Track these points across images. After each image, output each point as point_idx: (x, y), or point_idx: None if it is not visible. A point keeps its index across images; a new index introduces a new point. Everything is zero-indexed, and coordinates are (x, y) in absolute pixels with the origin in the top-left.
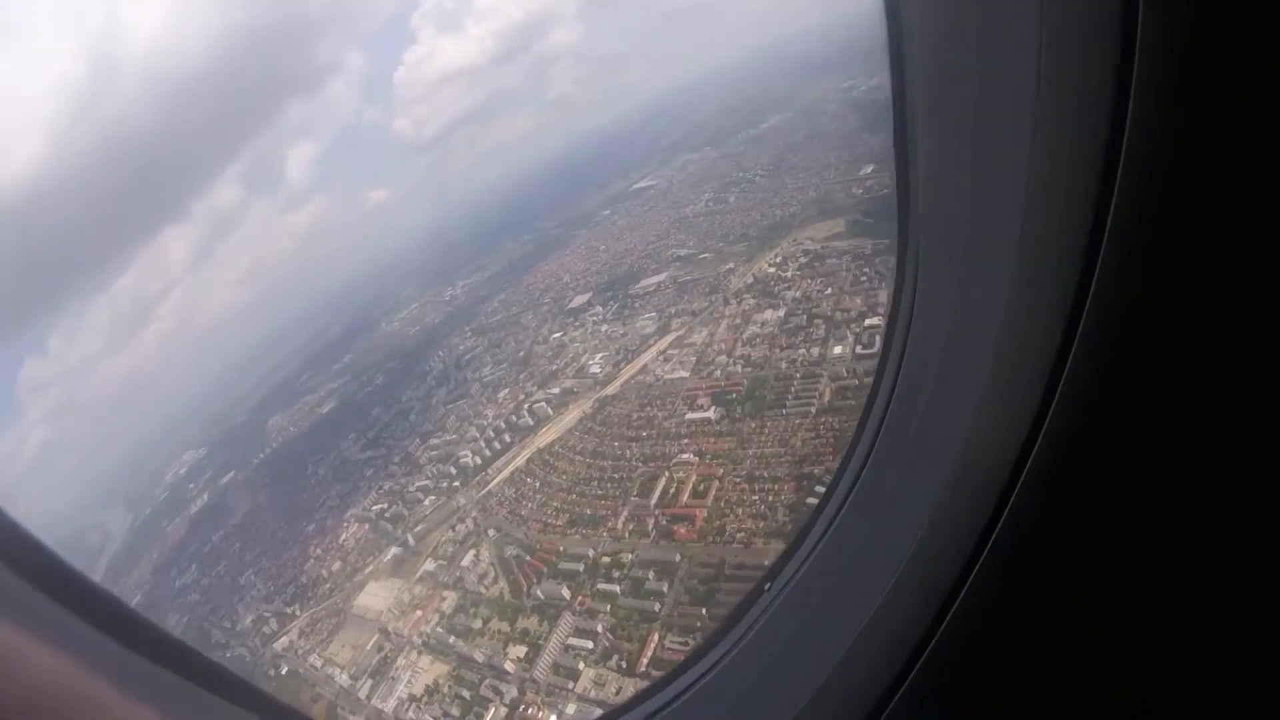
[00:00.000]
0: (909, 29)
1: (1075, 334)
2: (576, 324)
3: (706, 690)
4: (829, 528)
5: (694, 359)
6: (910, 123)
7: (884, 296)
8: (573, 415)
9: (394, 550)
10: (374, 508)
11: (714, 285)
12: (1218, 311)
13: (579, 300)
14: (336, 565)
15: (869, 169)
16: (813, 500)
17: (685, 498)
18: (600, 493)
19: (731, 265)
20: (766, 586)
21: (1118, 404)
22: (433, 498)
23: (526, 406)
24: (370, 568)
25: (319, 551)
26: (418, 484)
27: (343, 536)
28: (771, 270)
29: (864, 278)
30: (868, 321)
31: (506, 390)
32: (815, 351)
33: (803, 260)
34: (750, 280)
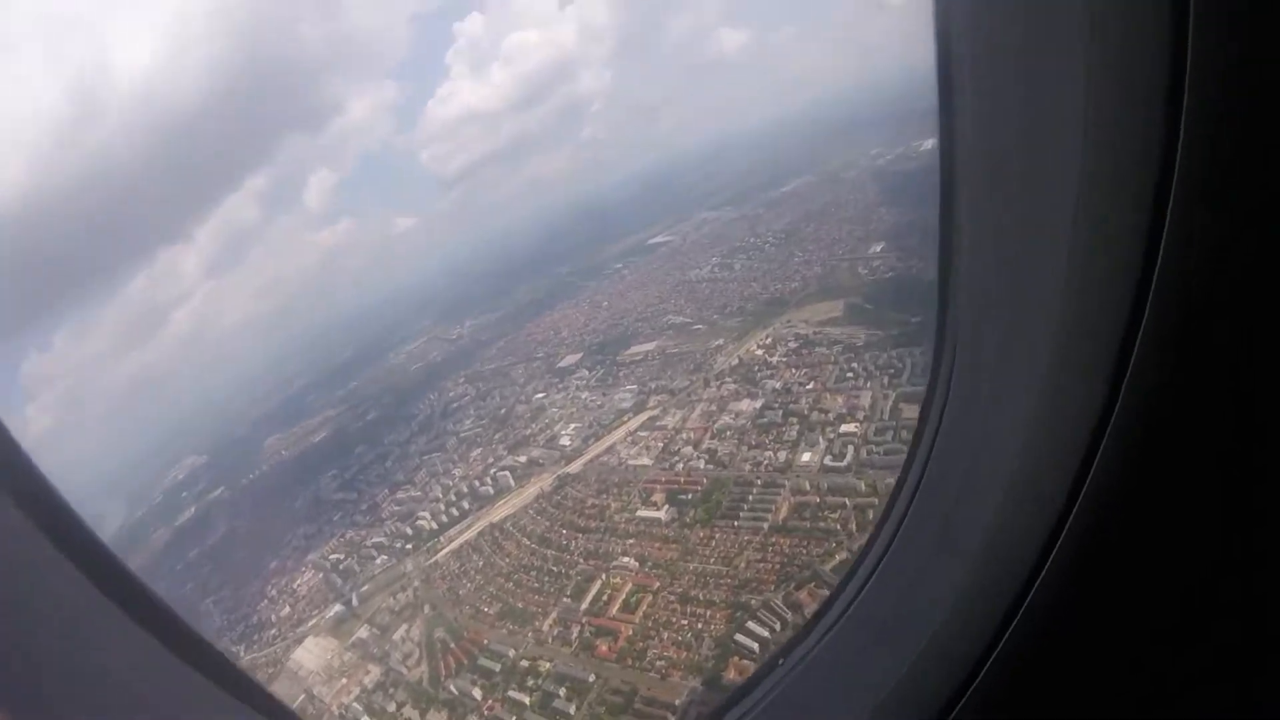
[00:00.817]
0: (959, 107)
1: (1103, 435)
2: (560, 386)
3: None
4: (859, 594)
5: (661, 445)
6: (955, 213)
7: (865, 399)
8: (532, 490)
9: (337, 608)
10: (331, 556)
11: (699, 363)
12: (1252, 423)
13: (569, 360)
14: (285, 611)
15: (878, 247)
16: (740, 637)
17: (615, 609)
18: (536, 585)
19: (721, 342)
20: (780, 661)
21: (1143, 506)
22: (384, 557)
23: (492, 472)
24: (313, 621)
25: (274, 593)
26: (374, 539)
27: (298, 581)
28: (759, 353)
29: (849, 374)
30: (843, 428)
31: (479, 450)
32: (783, 456)
33: (792, 345)
34: (735, 362)
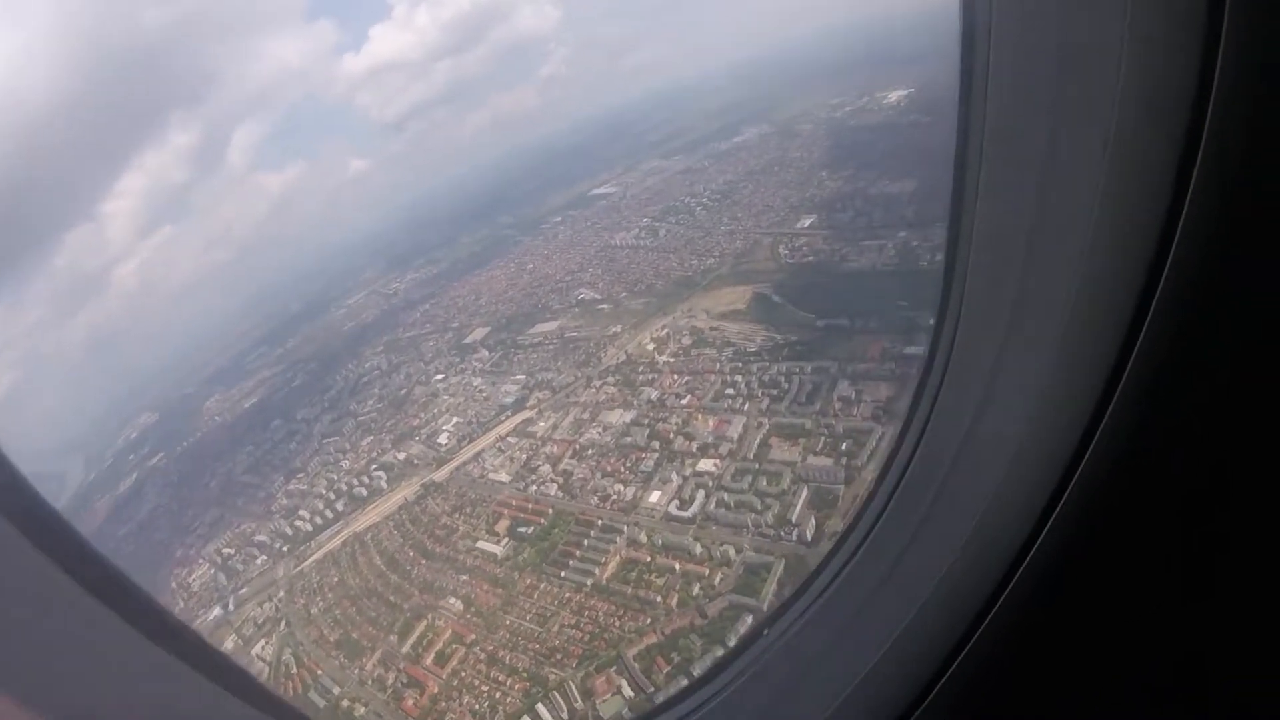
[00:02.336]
0: (981, 86)
1: (1094, 435)
2: (460, 367)
3: None
4: (834, 579)
5: (524, 459)
6: (969, 187)
7: (736, 427)
8: (399, 497)
9: (217, 611)
10: (224, 550)
11: (590, 354)
12: (1236, 441)
13: (476, 335)
14: (179, 607)
15: (808, 221)
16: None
17: (430, 658)
18: (374, 615)
19: (618, 329)
20: (765, 631)
21: (1133, 499)
22: (264, 559)
23: (372, 470)
24: (197, 623)
25: (174, 585)
26: (259, 536)
27: (194, 575)
28: (650, 348)
29: (729, 390)
30: (701, 465)
31: (370, 439)
32: (631, 493)
33: (685, 341)
34: (624, 358)
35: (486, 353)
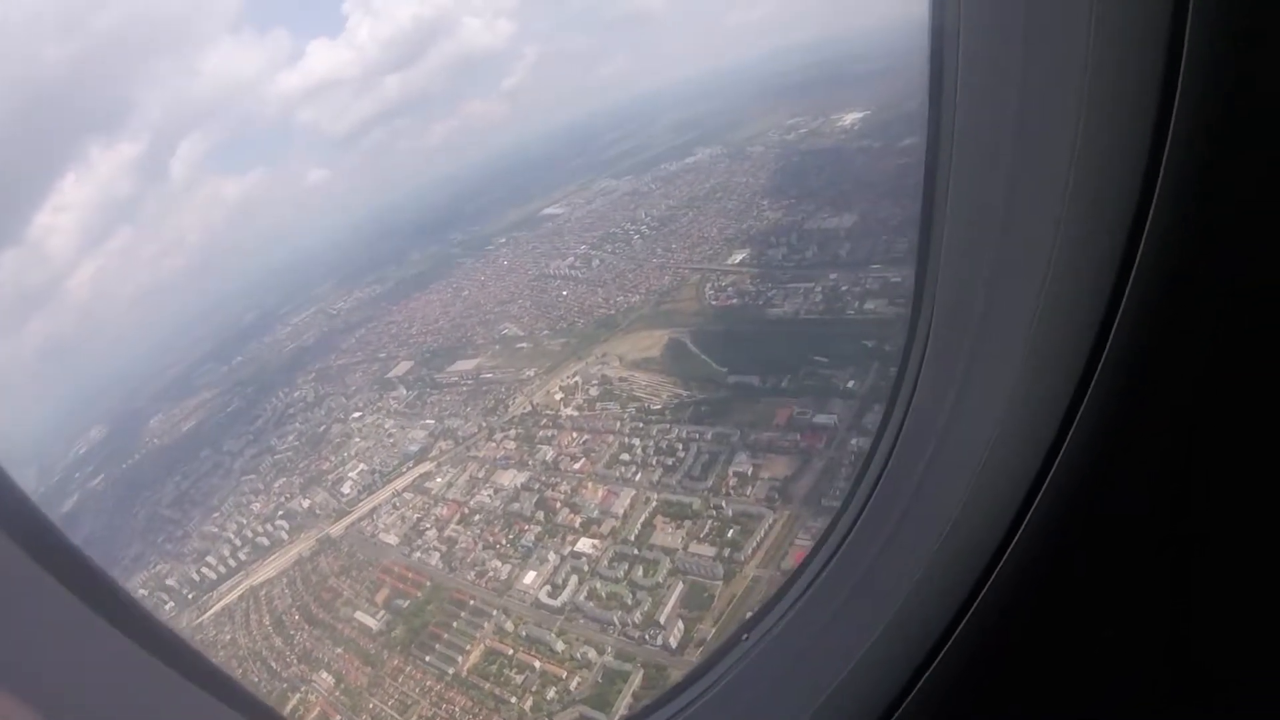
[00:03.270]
0: (949, 94)
1: (1066, 436)
2: (377, 405)
3: None
4: (813, 582)
5: (415, 519)
6: (938, 195)
7: (624, 501)
8: (295, 551)
9: None
10: (138, 592)
11: (500, 400)
12: (1209, 444)
13: (399, 369)
14: None
15: (740, 257)
16: None
17: None
18: (256, 680)
19: (532, 373)
20: (744, 637)
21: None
22: (171, 605)
23: (278, 516)
24: None
25: None
26: (170, 581)
27: None
28: (557, 398)
29: (625, 456)
30: (581, 545)
31: (282, 481)
32: (507, 571)
33: (593, 392)
34: (529, 408)
35: (404, 390)
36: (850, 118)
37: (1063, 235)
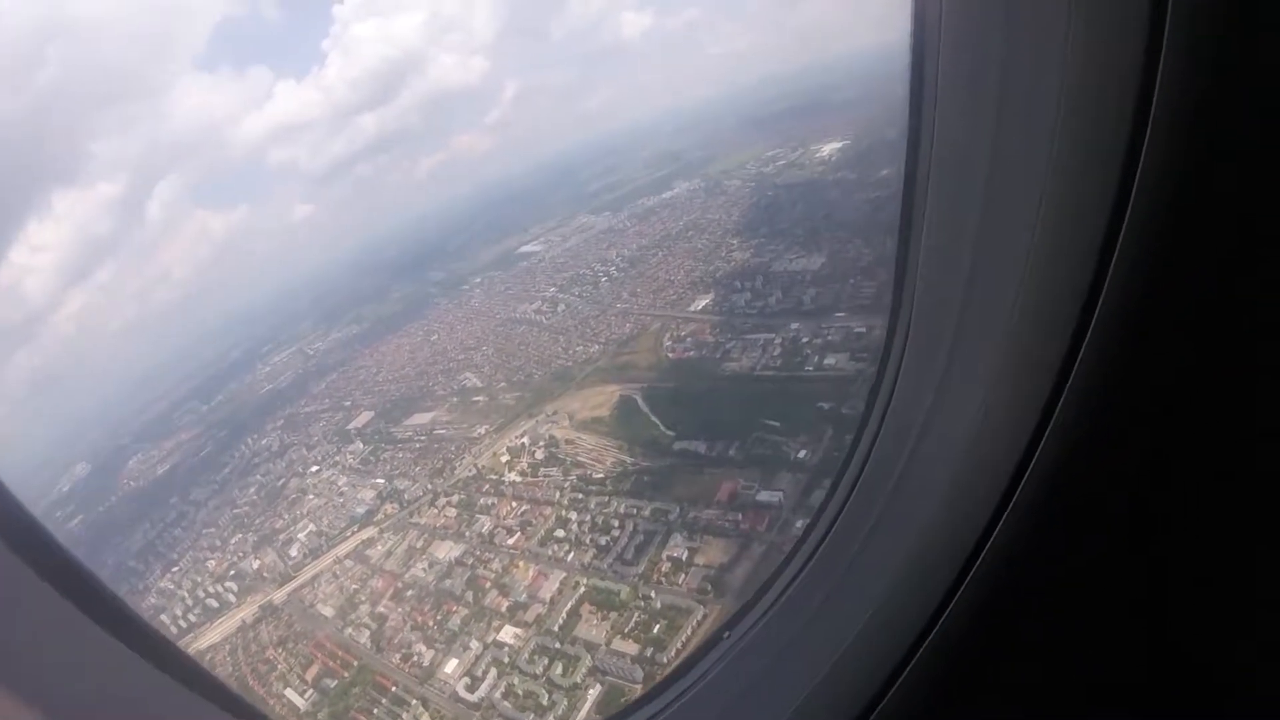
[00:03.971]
0: (929, 93)
1: (1044, 432)
2: (334, 459)
3: None
4: (794, 579)
5: (352, 590)
6: (917, 197)
7: (552, 584)
8: (239, 616)
9: None
10: None
11: (448, 460)
12: (1190, 435)
13: (360, 420)
14: None
15: (701, 303)
16: None
17: None
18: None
19: (483, 430)
20: (726, 634)
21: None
22: None
23: (228, 577)
24: None
25: None
26: None
27: None
28: (503, 460)
29: (560, 532)
30: (504, 633)
31: (237, 538)
32: (431, 657)
33: (538, 456)
34: (474, 471)
35: (361, 444)
36: (829, 148)
37: (1041, 230)
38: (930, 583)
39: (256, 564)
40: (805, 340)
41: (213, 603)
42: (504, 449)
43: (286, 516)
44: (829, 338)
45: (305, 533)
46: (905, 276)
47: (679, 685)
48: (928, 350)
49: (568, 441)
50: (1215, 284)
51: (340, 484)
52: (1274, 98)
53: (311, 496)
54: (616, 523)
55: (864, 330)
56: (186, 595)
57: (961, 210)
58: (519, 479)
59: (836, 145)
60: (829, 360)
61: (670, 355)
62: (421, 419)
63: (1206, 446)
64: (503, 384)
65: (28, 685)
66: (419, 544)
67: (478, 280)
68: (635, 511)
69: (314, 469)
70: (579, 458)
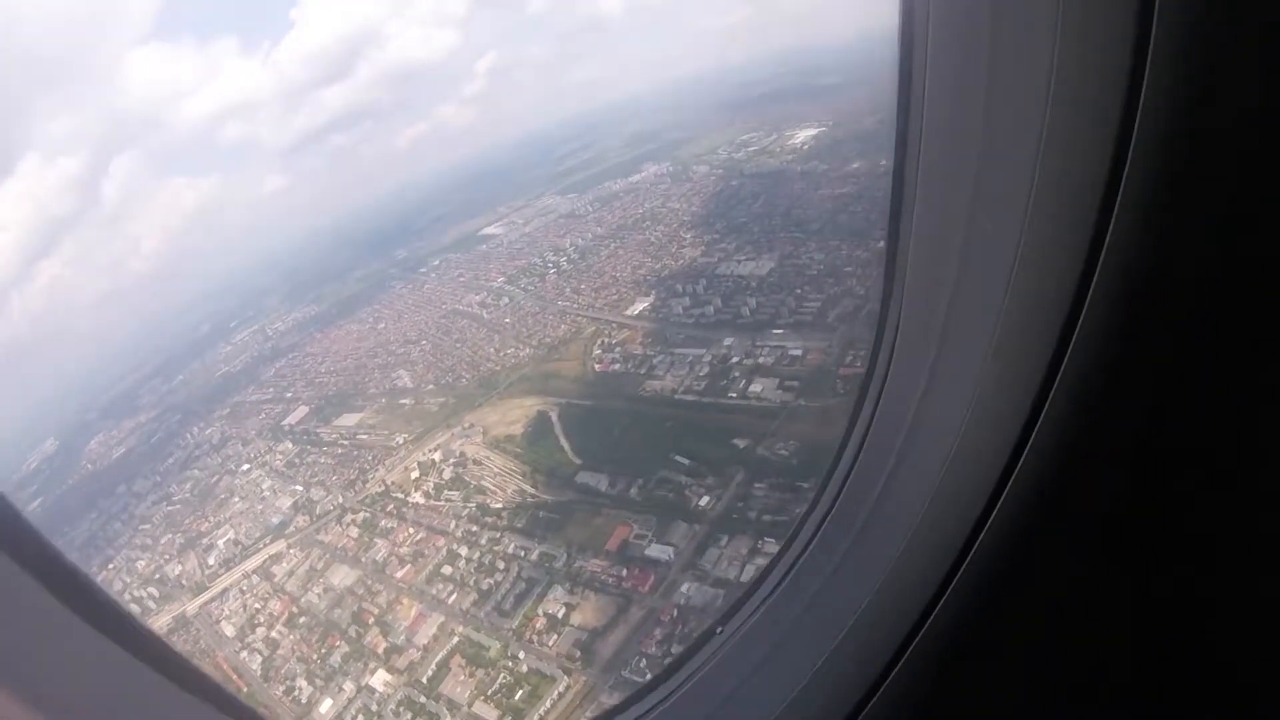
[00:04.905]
0: (918, 93)
1: (1031, 434)
2: (264, 458)
3: None
4: (787, 575)
5: (254, 610)
6: (906, 197)
7: (431, 626)
8: (154, 627)
9: None
10: None
11: (364, 470)
12: (1177, 435)
13: (295, 416)
14: None
15: (640, 306)
16: None
17: None
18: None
19: (402, 440)
20: (719, 630)
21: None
22: None
23: (152, 581)
24: None
25: None
26: None
27: None
28: (413, 477)
29: (448, 568)
30: (376, 678)
31: (166, 539)
32: (309, 694)
33: (445, 475)
34: (383, 487)
35: (290, 444)
36: (803, 135)
37: (1029, 233)
38: (917, 584)
39: (179, 569)
40: (735, 360)
41: (135, 608)
42: (416, 464)
43: (212, 520)
44: (760, 359)
45: (225, 540)
46: (894, 276)
47: (671, 683)
48: (915, 352)
49: (476, 462)
50: (1203, 288)
51: (264, 488)
52: (1260, 99)
53: (237, 499)
54: (503, 564)
55: (798, 352)
56: (114, 598)
57: (949, 210)
58: (422, 501)
59: (812, 132)
60: (755, 387)
61: (596, 367)
62: (349, 420)
63: (1193, 451)
64: (430, 387)
65: (20, 684)
66: (320, 565)
67: (436, 263)
68: (523, 554)
69: (245, 467)
70: (483, 482)
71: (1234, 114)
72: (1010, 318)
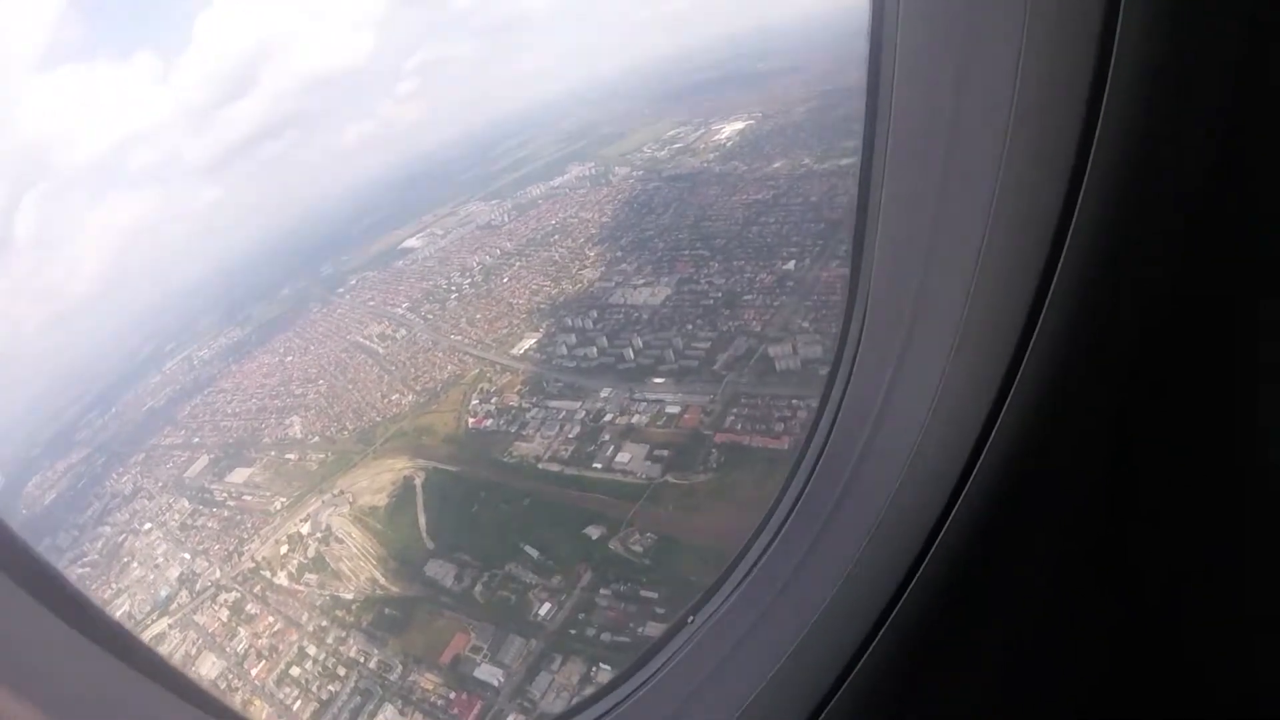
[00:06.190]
0: (886, 88)
1: (992, 429)
2: (164, 516)
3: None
4: (755, 564)
5: None
6: (872, 196)
7: None
8: None
9: None
10: None
11: (243, 540)
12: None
13: (196, 467)
14: None
15: (527, 344)
16: None
17: None
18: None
19: (279, 505)
20: (690, 619)
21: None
22: None
23: None
24: None
25: None
26: None
27: None
28: (280, 553)
29: (296, 670)
30: None
31: None
32: None
33: (309, 553)
34: (254, 562)
35: (186, 502)
36: (729, 129)
37: (993, 228)
38: (882, 578)
39: None
40: (608, 418)
41: None
42: (285, 536)
43: (114, 586)
44: (635, 417)
45: (121, 612)
46: (861, 265)
47: (639, 676)
48: (881, 345)
49: (338, 539)
50: (1163, 281)
51: (158, 553)
52: (1221, 100)
53: (136, 565)
54: (343, 671)
55: (676, 409)
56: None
57: (915, 207)
58: (285, 583)
59: (739, 126)
60: (623, 456)
61: (470, 421)
62: (239, 476)
63: (1150, 445)
64: (316, 439)
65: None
66: (193, 651)
67: (353, 282)
68: (363, 660)
69: (147, 526)
70: (340, 565)
71: (1194, 116)
72: (974, 314)
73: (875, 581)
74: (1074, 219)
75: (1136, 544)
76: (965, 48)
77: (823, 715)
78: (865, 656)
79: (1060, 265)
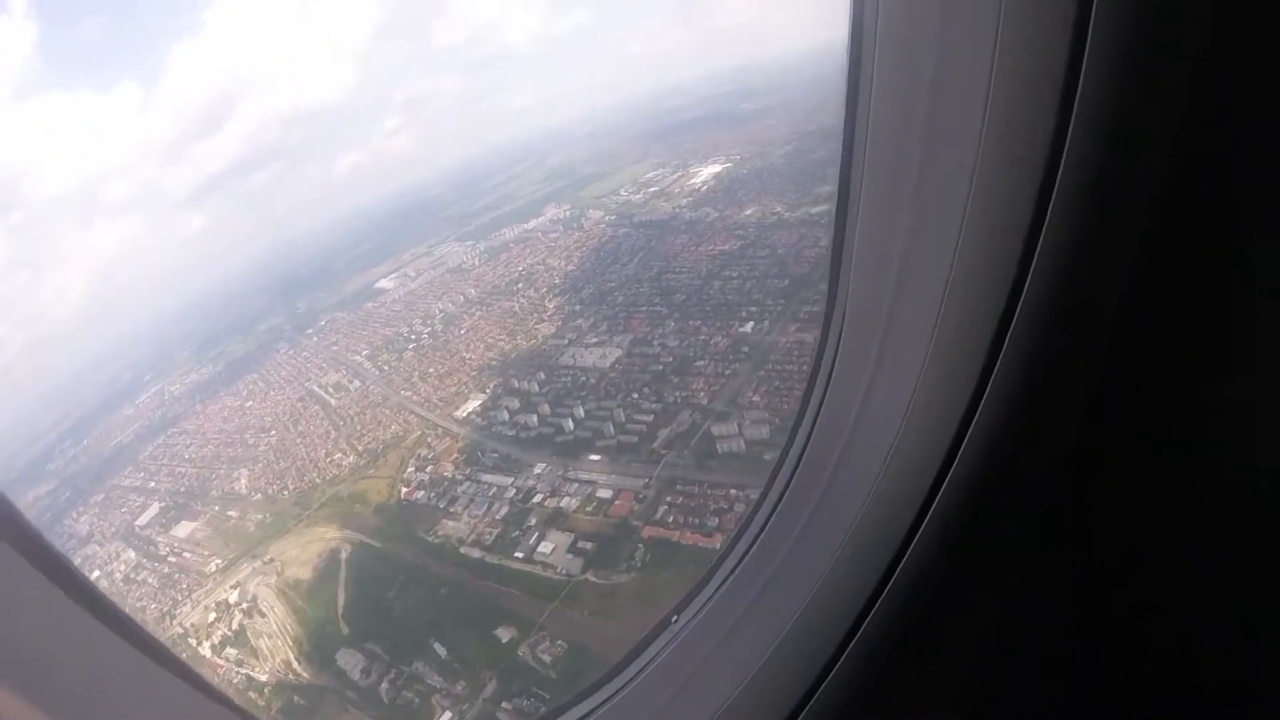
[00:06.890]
0: (864, 90)
1: (968, 429)
2: (111, 566)
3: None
4: (739, 564)
5: None
6: (850, 203)
7: None
8: None
9: None
10: None
11: (176, 603)
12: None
13: (147, 515)
14: None
15: (470, 406)
16: None
17: None
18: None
19: (214, 566)
20: (674, 619)
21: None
22: None
23: None
24: None
25: None
26: None
27: None
28: (208, 621)
29: None
30: None
31: None
32: None
33: (233, 625)
34: (183, 629)
35: (133, 553)
36: (705, 173)
37: (968, 226)
38: (862, 575)
39: None
40: (538, 499)
41: None
42: (215, 603)
43: None
44: (563, 500)
45: None
46: (840, 270)
47: (622, 676)
48: (858, 353)
49: (262, 612)
50: (1135, 283)
51: None
52: (1190, 99)
53: None
54: None
55: (608, 494)
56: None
57: (893, 208)
58: (208, 654)
59: (715, 169)
60: (546, 546)
61: (403, 491)
62: (183, 530)
63: (1124, 442)
64: (258, 497)
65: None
66: None
67: (322, 323)
68: None
69: (95, 574)
70: (259, 642)
71: (1165, 117)
72: (949, 316)
73: (854, 581)
74: (1045, 223)
75: (1108, 540)
76: (939, 57)
77: (803, 714)
78: (845, 655)
79: (1033, 268)
